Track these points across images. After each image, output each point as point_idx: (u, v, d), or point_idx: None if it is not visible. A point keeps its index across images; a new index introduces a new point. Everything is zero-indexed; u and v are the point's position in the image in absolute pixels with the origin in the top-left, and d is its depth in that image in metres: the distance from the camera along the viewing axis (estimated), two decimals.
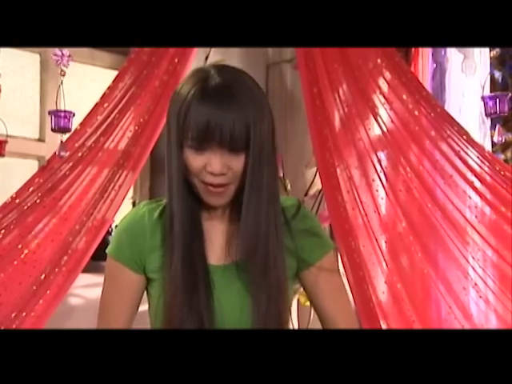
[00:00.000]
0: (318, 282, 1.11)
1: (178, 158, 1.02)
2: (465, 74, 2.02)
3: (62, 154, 1.68)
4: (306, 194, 2.21)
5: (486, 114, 1.76)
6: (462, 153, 1.67)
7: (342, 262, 1.76)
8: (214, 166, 0.99)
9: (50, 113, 1.73)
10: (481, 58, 2.03)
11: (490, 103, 1.73)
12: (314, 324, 2.21)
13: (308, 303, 2.18)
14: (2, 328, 1.60)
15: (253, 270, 1.04)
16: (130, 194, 1.98)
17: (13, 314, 1.61)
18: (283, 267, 1.06)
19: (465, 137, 1.68)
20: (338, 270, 1.15)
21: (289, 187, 2.22)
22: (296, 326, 2.19)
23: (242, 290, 1.06)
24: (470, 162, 1.66)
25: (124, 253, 1.09)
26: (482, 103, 1.74)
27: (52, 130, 1.74)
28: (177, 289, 1.03)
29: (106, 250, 1.12)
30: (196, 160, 1.00)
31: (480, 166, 1.65)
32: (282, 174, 2.22)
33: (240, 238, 1.05)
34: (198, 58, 1.96)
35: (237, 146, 0.99)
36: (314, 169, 2.09)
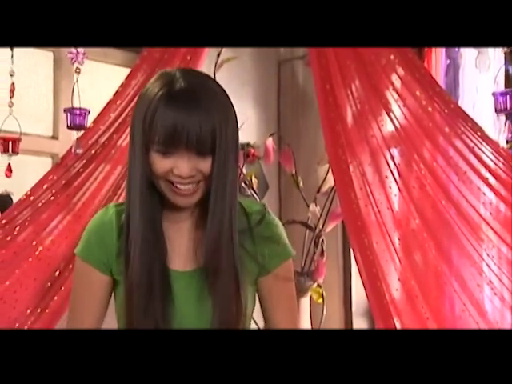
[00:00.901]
0: (272, 289, 1.12)
1: (142, 162, 1.01)
2: (479, 70, 2.01)
3: (78, 151, 1.69)
4: (318, 191, 2.21)
5: (496, 111, 1.75)
6: (477, 149, 1.66)
7: (355, 259, 1.76)
8: (182, 170, 0.99)
9: (65, 110, 1.74)
10: (495, 53, 2.01)
11: (501, 99, 1.72)
12: (327, 321, 2.21)
13: (320, 300, 2.18)
14: (17, 325, 1.62)
15: (215, 274, 1.04)
16: None
17: (28, 311, 1.63)
18: (241, 272, 1.06)
19: (479, 133, 1.67)
20: (293, 279, 1.15)
21: (301, 184, 2.22)
22: (308, 324, 2.19)
23: (202, 296, 1.06)
24: (485, 158, 1.65)
25: (92, 254, 1.09)
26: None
27: (68, 127, 1.75)
28: (134, 293, 1.03)
29: (75, 251, 1.13)
30: (163, 164, 1.00)
31: (494, 163, 1.64)
32: (294, 171, 2.22)
33: (205, 242, 1.04)
34: (210, 55, 1.97)
35: (203, 149, 0.99)
36: (327, 166, 2.09)
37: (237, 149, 1.05)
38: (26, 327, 1.62)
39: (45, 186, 1.69)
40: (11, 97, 1.67)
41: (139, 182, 1.02)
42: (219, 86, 1.05)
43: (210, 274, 1.05)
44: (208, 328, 1.04)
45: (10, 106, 1.68)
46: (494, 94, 1.74)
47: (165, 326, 1.03)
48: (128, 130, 1.79)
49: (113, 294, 1.13)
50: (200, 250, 1.07)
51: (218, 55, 2.08)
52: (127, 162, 1.05)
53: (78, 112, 1.72)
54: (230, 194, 1.04)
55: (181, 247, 1.09)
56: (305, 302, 2.13)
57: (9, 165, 1.71)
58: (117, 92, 1.80)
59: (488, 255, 1.64)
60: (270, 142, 2.21)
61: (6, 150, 1.70)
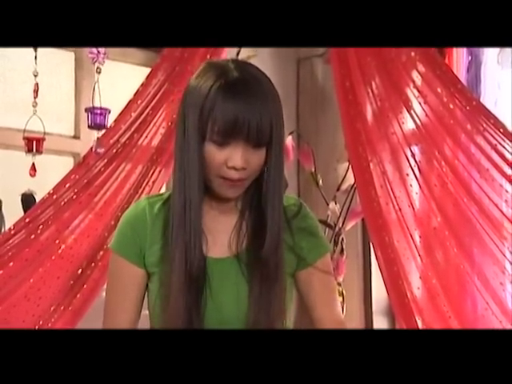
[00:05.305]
0: (312, 282, 1.12)
1: (198, 153, 1.01)
2: (501, 66, 1.98)
3: (98, 150, 1.70)
4: (338, 189, 2.20)
5: None
6: (499, 146, 1.64)
7: (376, 257, 1.76)
8: (236, 161, 1.00)
9: (86, 110, 1.75)
10: None
11: None
12: (347, 320, 2.20)
13: (340, 298, 2.17)
14: (41, 322, 1.64)
15: (266, 263, 1.05)
16: (163, 189, 1.99)
17: (51, 308, 1.65)
18: (284, 262, 1.07)
19: (501, 130, 1.65)
20: (332, 273, 1.16)
21: (320, 182, 2.22)
22: None
23: (240, 282, 1.06)
24: (507, 155, 1.64)
25: (126, 247, 1.10)
26: None
27: (88, 126, 1.76)
28: (171, 280, 1.04)
29: (109, 245, 1.13)
30: (218, 155, 1.01)
31: None
32: (313, 169, 2.21)
33: (269, 232, 1.05)
34: (230, 53, 1.97)
35: (262, 140, 1.01)
36: (346, 163, 2.08)
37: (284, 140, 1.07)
38: (49, 324, 1.65)
39: (67, 185, 1.71)
40: (35, 97, 1.69)
41: (197, 173, 1.02)
42: (267, 76, 1.05)
43: (256, 263, 1.05)
44: (247, 314, 1.04)
45: (33, 106, 1.70)
46: None
47: (196, 312, 1.03)
48: (148, 129, 1.82)
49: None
50: (235, 238, 1.08)
51: (238, 53, 2.08)
52: (175, 155, 1.05)
53: (98, 111, 1.73)
54: (281, 185, 1.06)
55: (216, 235, 1.09)
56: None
57: (33, 164, 1.73)
58: (137, 91, 1.81)
59: (511, 253, 1.62)
60: (289, 140, 2.21)
61: (30, 150, 1.73)
